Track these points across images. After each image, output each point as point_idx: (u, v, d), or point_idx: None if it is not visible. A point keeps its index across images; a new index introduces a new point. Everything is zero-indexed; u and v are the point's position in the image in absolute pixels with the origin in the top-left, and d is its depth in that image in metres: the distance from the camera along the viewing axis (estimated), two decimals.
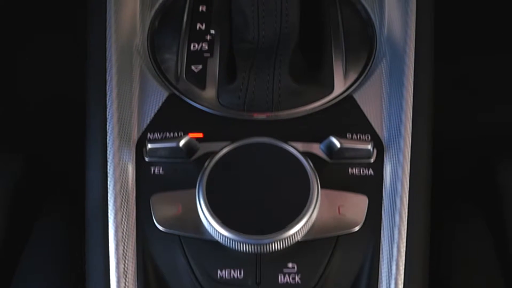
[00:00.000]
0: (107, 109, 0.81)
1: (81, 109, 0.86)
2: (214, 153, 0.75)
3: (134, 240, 0.76)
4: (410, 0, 0.87)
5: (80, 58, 0.91)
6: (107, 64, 0.84)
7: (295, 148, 0.76)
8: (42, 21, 1.28)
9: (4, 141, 1.14)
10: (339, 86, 0.84)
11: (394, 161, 0.79)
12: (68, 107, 1.04)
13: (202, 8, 0.91)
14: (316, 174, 0.74)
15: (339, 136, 0.79)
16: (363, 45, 0.89)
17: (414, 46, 0.85)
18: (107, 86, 0.82)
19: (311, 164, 0.75)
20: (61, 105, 1.19)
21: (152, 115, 0.82)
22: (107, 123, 0.80)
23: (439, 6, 0.95)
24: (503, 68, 1.27)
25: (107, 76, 0.83)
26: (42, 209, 0.99)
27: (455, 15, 1.25)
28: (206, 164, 0.75)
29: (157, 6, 0.93)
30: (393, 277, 0.74)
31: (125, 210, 0.77)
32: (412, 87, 0.82)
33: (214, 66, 0.85)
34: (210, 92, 0.84)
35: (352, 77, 0.86)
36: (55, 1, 1.24)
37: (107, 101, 0.82)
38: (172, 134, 0.81)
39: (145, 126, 0.82)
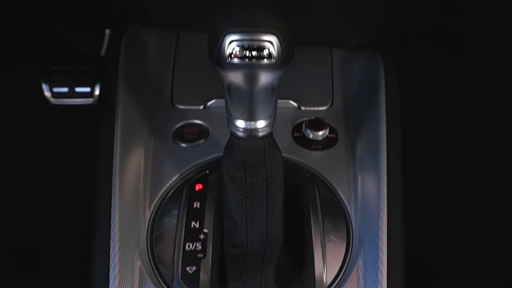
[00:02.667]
0: None
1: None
2: None
3: None
4: (381, 201, 0.94)
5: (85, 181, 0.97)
6: (110, 265, 0.89)
7: None
8: (47, 143, 1.34)
9: None
10: (320, 286, 0.90)
11: None
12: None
13: (196, 204, 0.94)
14: None
15: None
16: (341, 243, 0.95)
17: (386, 251, 0.91)
18: None
19: None
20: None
21: None
22: None
23: (413, 120, 1.02)
24: (477, 184, 1.34)
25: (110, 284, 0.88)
26: None
27: (432, 131, 1.32)
28: None
29: (156, 200, 0.97)
30: None
31: None
32: None
33: (207, 268, 0.89)
34: None
35: (331, 275, 0.92)
36: (62, 124, 1.30)
37: None
38: None
39: None
